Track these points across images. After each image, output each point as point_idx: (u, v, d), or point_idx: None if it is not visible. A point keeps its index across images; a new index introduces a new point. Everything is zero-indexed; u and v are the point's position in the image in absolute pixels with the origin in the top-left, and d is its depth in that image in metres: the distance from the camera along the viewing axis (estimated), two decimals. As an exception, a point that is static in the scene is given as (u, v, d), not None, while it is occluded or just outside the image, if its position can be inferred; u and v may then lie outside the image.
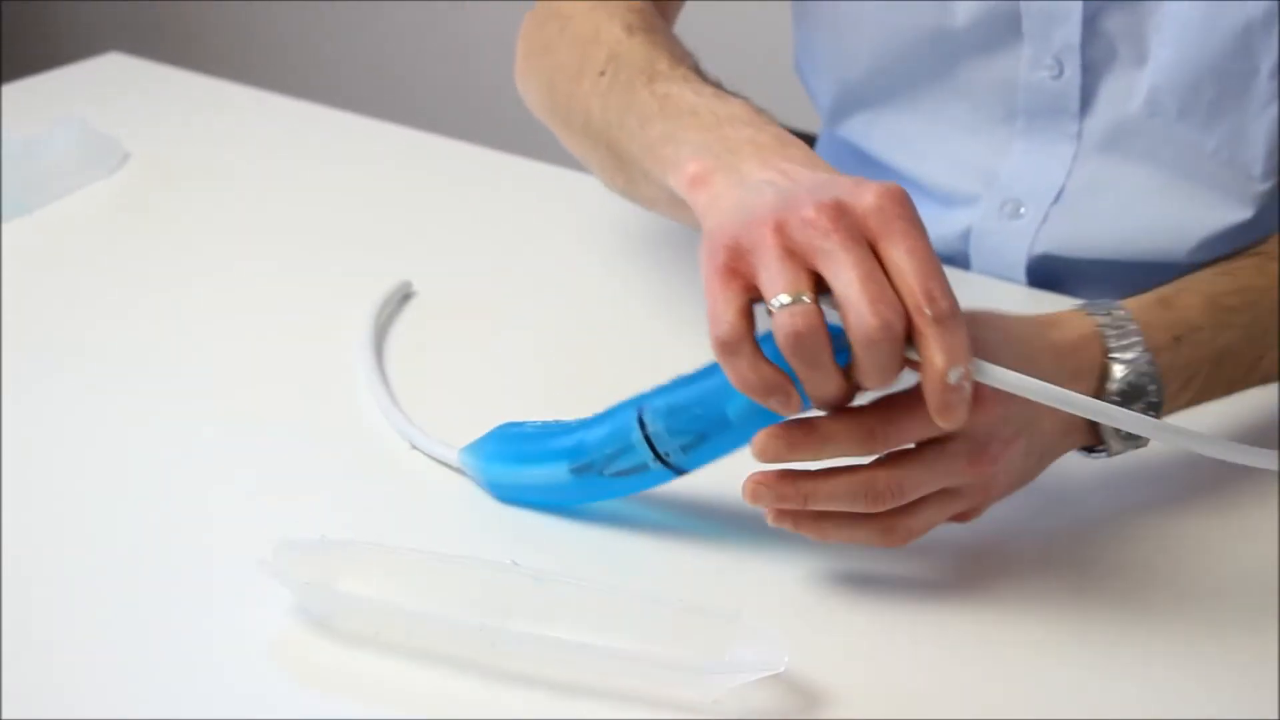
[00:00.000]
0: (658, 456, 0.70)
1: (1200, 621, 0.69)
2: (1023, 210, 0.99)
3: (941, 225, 1.02)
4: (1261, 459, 0.67)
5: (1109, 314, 0.72)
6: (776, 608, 0.70)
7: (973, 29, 0.97)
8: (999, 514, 0.72)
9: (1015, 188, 1.00)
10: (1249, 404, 0.80)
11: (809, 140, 1.15)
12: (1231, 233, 0.94)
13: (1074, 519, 0.75)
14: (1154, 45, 0.92)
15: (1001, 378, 0.63)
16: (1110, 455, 0.73)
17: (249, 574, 0.68)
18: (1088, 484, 0.77)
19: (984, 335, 0.66)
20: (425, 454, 0.80)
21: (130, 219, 1.08)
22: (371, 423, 0.83)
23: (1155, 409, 0.72)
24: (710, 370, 0.69)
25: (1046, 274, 0.99)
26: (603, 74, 0.86)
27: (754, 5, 2.05)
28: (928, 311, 0.61)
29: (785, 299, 0.62)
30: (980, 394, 0.64)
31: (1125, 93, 0.94)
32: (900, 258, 0.62)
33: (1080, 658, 0.67)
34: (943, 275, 0.63)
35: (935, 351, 0.61)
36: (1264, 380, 0.78)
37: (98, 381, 0.88)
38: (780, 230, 0.63)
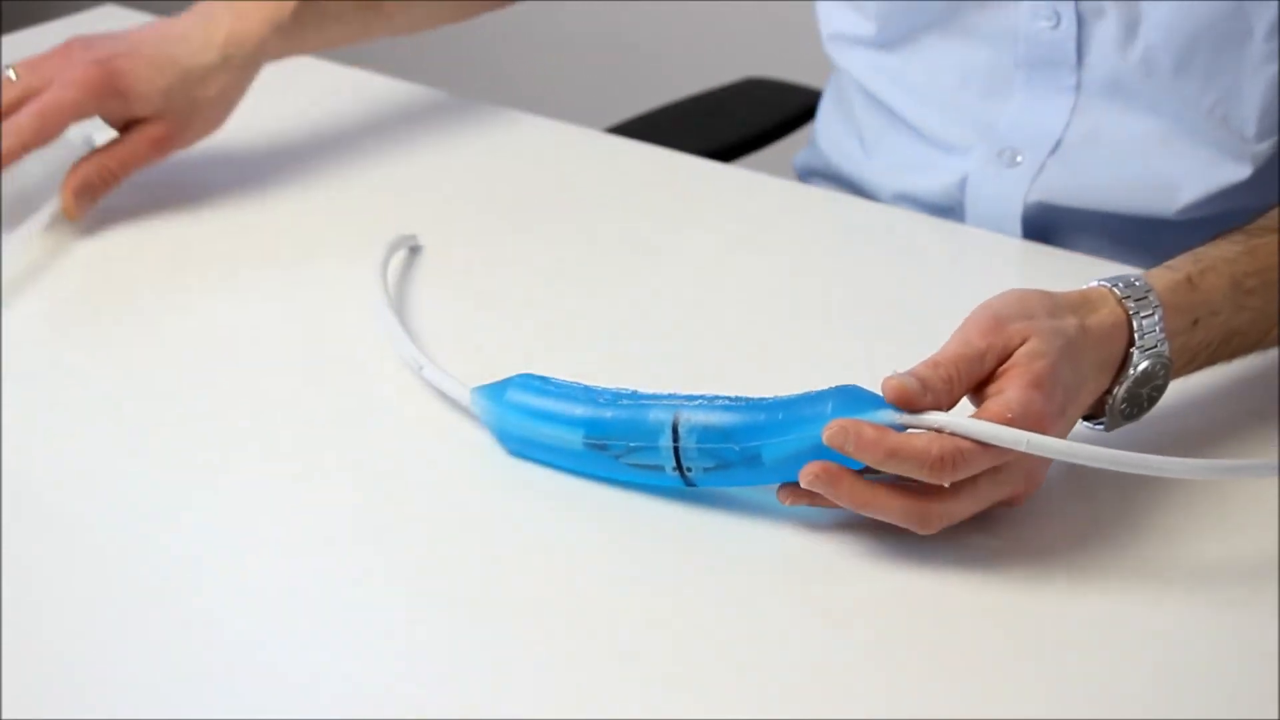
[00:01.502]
0: (678, 466, 0.71)
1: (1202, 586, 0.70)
2: (1019, 159, 0.99)
3: (938, 173, 1.02)
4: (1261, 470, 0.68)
5: (1141, 297, 0.73)
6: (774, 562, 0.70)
7: None
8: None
9: (1013, 137, 1.00)
10: (1249, 406, 0.80)
11: (815, 94, 1.14)
12: (1228, 191, 0.95)
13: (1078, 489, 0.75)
14: (1147, 4, 0.93)
15: (1054, 447, 0.66)
16: (1108, 430, 0.74)
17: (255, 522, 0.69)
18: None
19: (1042, 349, 0.68)
20: (434, 387, 0.80)
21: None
22: (380, 366, 0.83)
23: (1160, 390, 0.73)
24: (757, 405, 0.69)
25: (1041, 224, 1.00)
26: None
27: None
28: None
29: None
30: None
31: (1119, 47, 0.95)
32: None
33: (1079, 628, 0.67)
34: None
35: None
36: (1264, 349, 0.79)
37: (99, 329, 0.88)
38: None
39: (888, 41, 1.04)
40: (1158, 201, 0.96)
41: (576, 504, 0.73)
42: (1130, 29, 0.94)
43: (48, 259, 0.95)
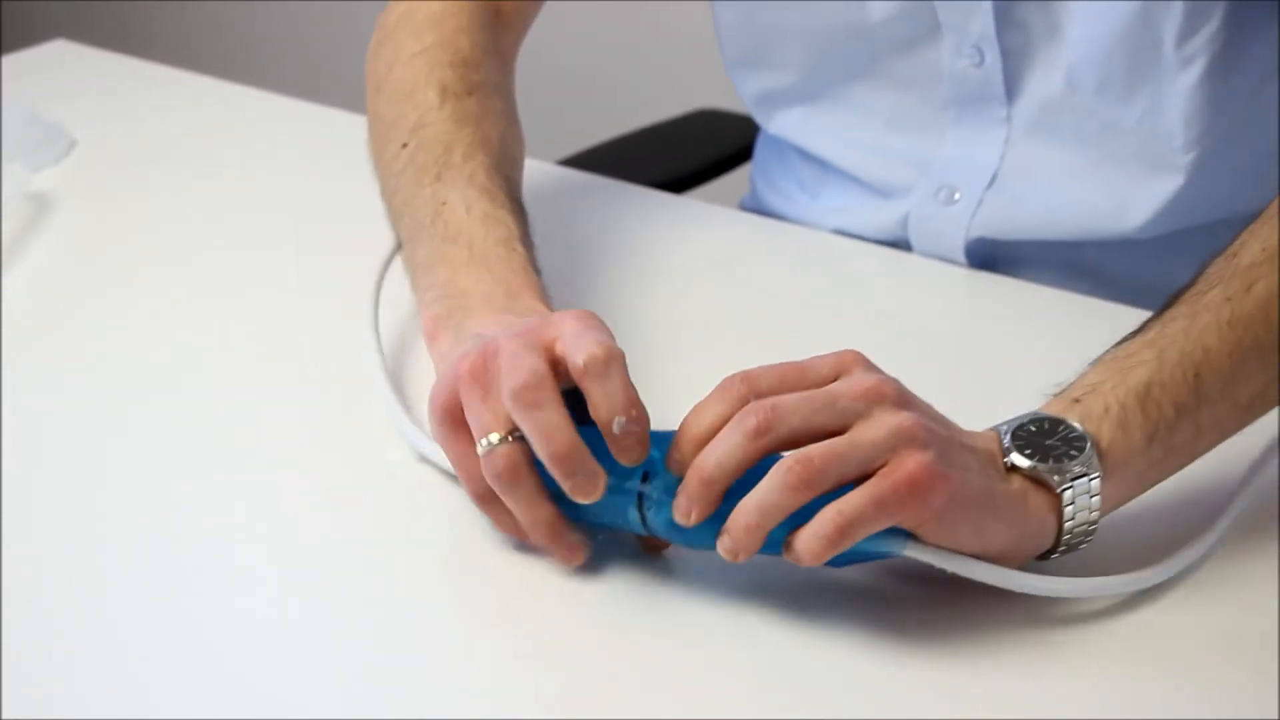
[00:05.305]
0: (639, 510, 0.67)
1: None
2: (957, 196, 1.00)
3: (880, 214, 1.03)
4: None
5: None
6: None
7: (890, 24, 0.98)
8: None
9: (949, 174, 1.01)
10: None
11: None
12: (1166, 207, 0.95)
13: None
14: (1066, 24, 0.93)
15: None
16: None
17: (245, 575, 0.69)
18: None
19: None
20: (436, 466, 0.76)
21: (80, 206, 1.08)
22: (373, 424, 0.81)
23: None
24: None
25: (985, 255, 1.01)
26: (405, 146, 0.88)
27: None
28: (583, 369, 0.66)
29: (486, 442, 0.66)
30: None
31: (1046, 74, 0.96)
32: (564, 349, 0.67)
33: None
34: (597, 337, 0.66)
35: (598, 404, 0.66)
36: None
37: (61, 374, 0.87)
38: (476, 376, 0.67)
39: (813, 93, 1.04)
40: (1097, 223, 0.96)
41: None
42: (1051, 53, 0.95)
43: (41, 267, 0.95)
